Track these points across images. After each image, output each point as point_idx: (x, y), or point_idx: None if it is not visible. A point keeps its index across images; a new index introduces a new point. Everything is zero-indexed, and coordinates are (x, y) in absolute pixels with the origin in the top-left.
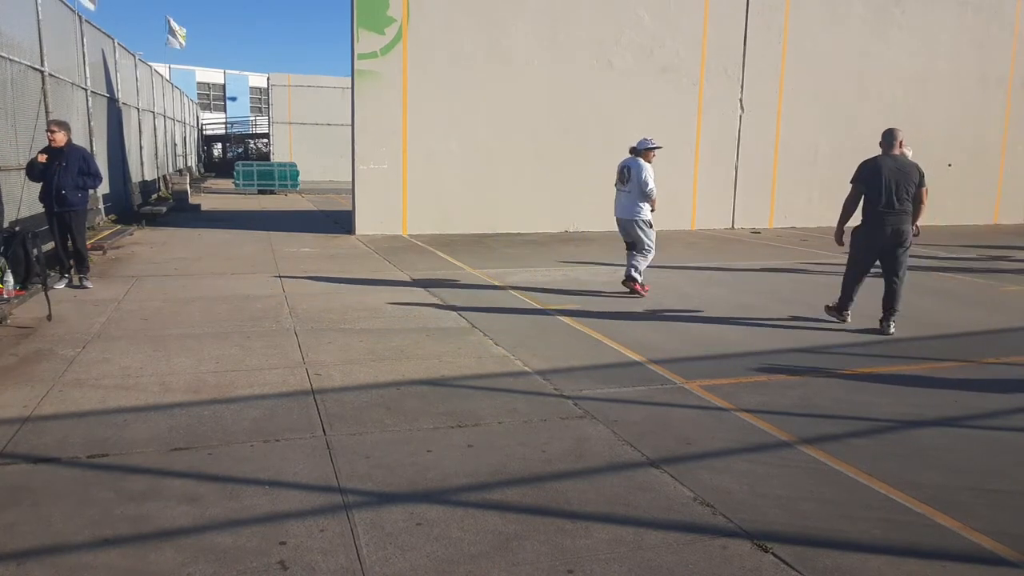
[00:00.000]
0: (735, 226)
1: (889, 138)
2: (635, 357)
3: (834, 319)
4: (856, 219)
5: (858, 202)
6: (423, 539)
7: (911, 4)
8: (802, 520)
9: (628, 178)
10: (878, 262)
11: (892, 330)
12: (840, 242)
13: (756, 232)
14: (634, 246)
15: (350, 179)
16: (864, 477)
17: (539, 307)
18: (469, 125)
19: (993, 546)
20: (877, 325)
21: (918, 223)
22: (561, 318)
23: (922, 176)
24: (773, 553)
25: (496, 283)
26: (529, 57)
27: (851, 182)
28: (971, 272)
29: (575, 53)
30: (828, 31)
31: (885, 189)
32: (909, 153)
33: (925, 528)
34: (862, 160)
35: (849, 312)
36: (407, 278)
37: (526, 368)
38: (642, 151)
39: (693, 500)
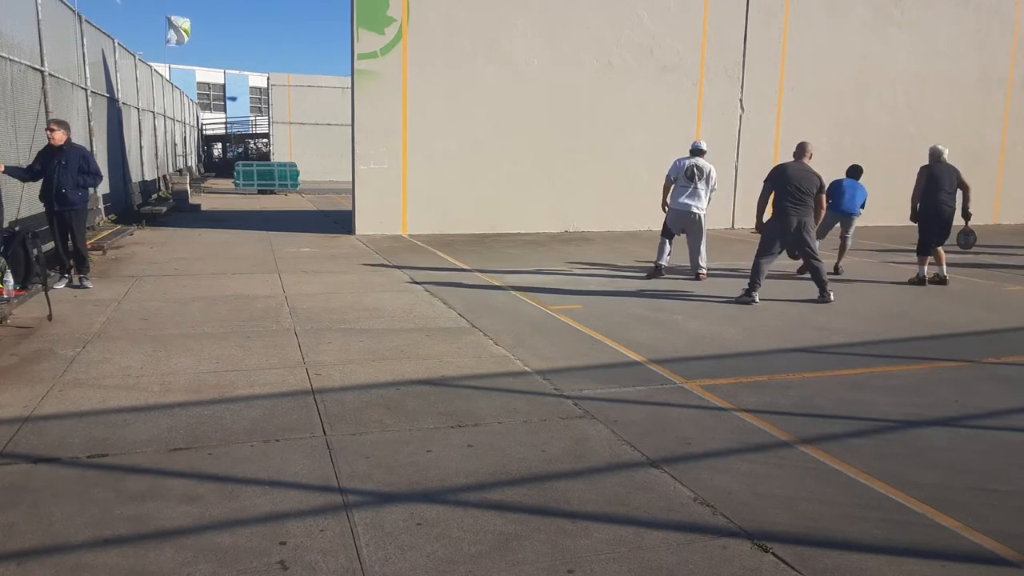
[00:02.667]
0: (735, 226)
1: (800, 149)
2: (635, 357)
3: (746, 302)
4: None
5: (768, 198)
6: (423, 539)
7: (911, 4)
8: (802, 520)
9: (702, 176)
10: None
11: (832, 298)
12: (759, 231)
13: (756, 232)
14: (667, 234)
15: (350, 179)
16: (864, 477)
17: (539, 307)
18: (469, 125)
19: (993, 546)
20: (831, 304)
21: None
22: (561, 318)
23: (822, 185)
24: (773, 553)
25: (496, 283)
26: (529, 57)
27: (764, 182)
28: (972, 272)
29: (575, 53)
30: (828, 31)
31: (791, 188)
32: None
33: (925, 528)
34: (774, 166)
35: (757, 294)
36: (407, 278)
37: (526, 368)
38: (704, 152)
39: (693, 500)
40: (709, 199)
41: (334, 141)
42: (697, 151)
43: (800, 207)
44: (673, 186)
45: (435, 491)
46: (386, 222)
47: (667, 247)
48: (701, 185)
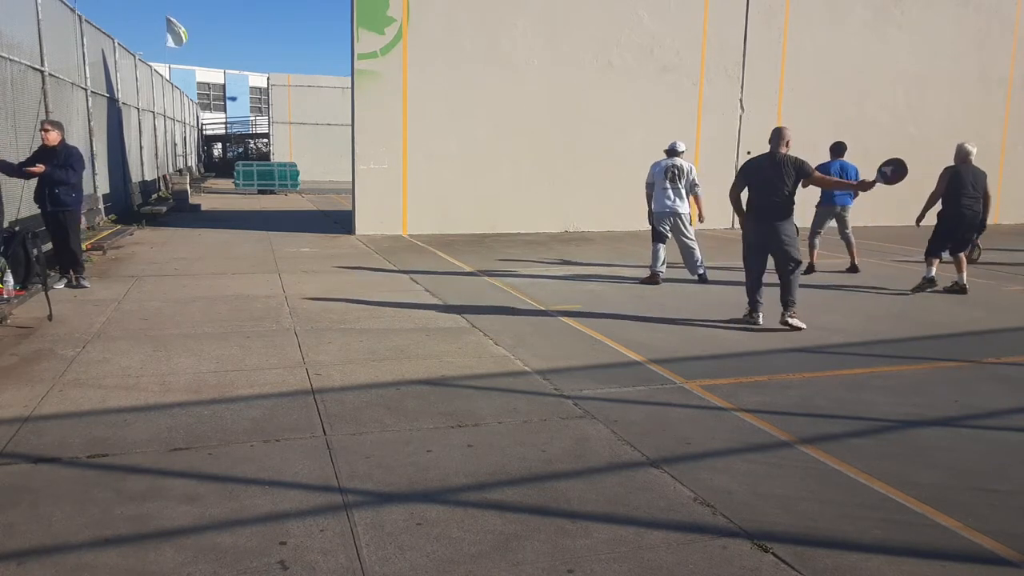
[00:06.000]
0: (735, 226)
1: (776, 137)
2: (635, 357)
3: (751, 321)
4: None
5: (739, 192)
6: (423, 539)
7: (911, 4)
8: (802, 520)
9: (681, 176)
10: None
11: (791, 322)
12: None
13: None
14: (660, 238)
15: (350, 179)
16: (864, 477)
17: (539, 307)
18: (469, 125)
19: (993, 546)
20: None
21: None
22: (561, 318)
23: (799, 169)
24: (773, 553)
25: (496, 283)
26: (529, 57)
27: (736, 176)
28: (972, 272)
29: (575, 53)
30: (828, 31)
31: (762, 185)
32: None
33: (925, 528)
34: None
35: (759, 314)
36: (407, 278)
37: (526, 368)
38: (682, 153)
39: (693, 500)
40: (696, 195)
41: (334, 141)
42: (674, 151)
43: (771, 207)
44: (654, 190)
45: (435, 491)
46: (386, 222)
47: (662, 252)
48: (681, 185)
